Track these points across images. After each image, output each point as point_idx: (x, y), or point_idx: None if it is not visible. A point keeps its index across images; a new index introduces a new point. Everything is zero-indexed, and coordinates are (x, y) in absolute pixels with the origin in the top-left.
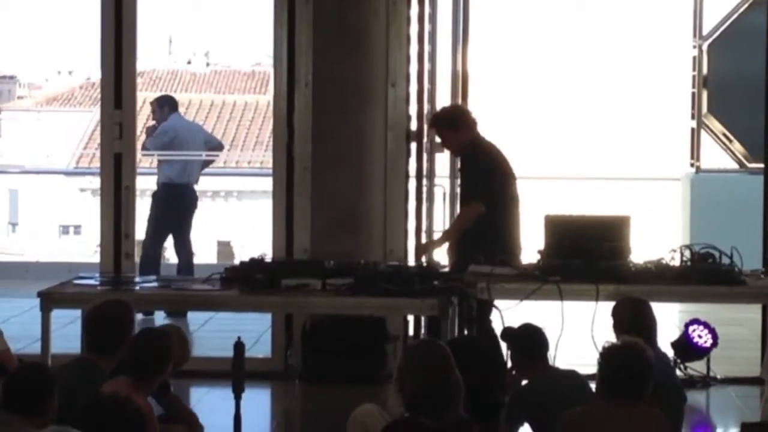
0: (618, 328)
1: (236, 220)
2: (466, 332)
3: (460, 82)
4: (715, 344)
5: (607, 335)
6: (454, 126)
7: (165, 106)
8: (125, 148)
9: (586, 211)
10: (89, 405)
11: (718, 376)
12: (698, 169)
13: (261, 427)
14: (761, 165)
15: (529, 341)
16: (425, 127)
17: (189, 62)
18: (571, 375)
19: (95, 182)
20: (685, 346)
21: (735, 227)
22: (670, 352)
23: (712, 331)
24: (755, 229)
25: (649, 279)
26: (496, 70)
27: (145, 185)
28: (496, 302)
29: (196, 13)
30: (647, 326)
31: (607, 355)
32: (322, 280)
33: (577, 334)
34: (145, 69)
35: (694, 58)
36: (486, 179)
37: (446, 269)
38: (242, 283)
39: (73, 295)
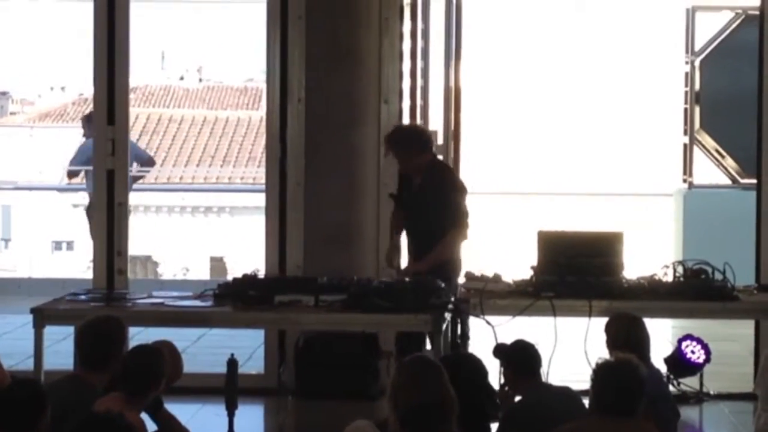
0: (611, 344)
1: (229, 235)
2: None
3: (453, 98)
4: (708, 360)
5: (600, 351)
6: (417, 148)
7: (91, 122)
8: (118, 165)
9: (579, 227)
10: (82, 422)
11: (711, 392)
12: (691, 185)
13: None
14: (754, 180)
15: (522, 357)
16: None
17: (182, 78)
18: (565, 391)
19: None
20: (678, 362)
21: (728, 243)
22: (663, 368)
23: (705, 347)
24: (748, 245)
25: (642, 295)
26: (488, 83)
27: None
28: (489, 318)
29: (188, 28)
30: (640, 342)
31: (600, 372)
32: (315, 296)
33: (570, 350)
34: (138, 85)
35: (687, 74)
36: (462, 202)
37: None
38: (235, 300)
39: (66, 312)
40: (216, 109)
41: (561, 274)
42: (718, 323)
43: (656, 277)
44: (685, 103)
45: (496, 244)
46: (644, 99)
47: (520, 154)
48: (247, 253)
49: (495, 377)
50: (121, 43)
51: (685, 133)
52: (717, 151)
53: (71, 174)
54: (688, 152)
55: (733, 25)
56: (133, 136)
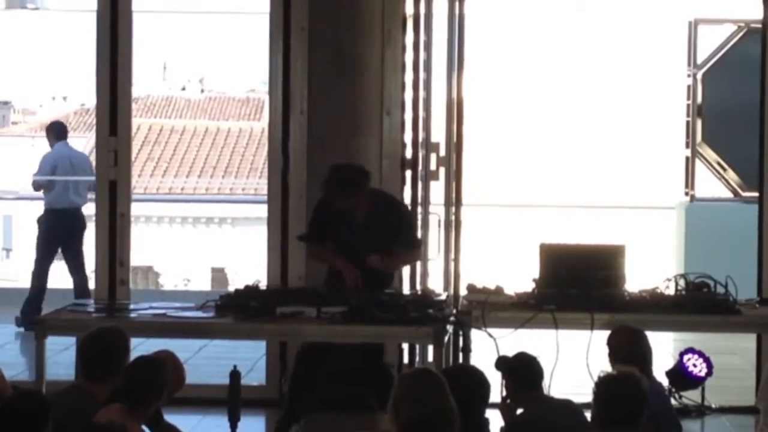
0: (613, 357)
1: (230, 247)
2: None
3: (455, 110)
4: (709, 373)
5: (602, 364)
6: (365, 183)
7: (50, 133)
8: (120, 176)
9: (581, 239)
10: None
11: (713, 406)
12: (693, 198)
13: None
14: (756, 194)
15: (524, 370)
16: (420, 155)
17: (183, 88)
18: (566, 404)
19: (90, 208)
20: (679, 375)
21: (730, 256)
22: (664, 381)
23: (707, 360)
24: (750, 258)
25: (644, 308)
26: (490, 95)
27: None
28: (491, 330)
29: (190, 39)
30: (642, 355)
31: (603, 385)
32: (317, 307)
33: (572, 363)
34: (140, 95)
35: (689, 87)
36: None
37: (440, 297)
38: (237, 311)
39: (68, 322)
40: (218, 119)
41: (563, 287)
42: (719, 337)
43: (658, 291)
44: (687, 115)
45: (498, 256)
46: (646, 112)
47: (522, 166)
48: (248, 264)
49: (497, 390)
50: (124, 54)
51: (687, 145)
52: (719, 163)
53: (37, 186)
54: (690, 165)
55: (736, 38)
56: (135, 146)
